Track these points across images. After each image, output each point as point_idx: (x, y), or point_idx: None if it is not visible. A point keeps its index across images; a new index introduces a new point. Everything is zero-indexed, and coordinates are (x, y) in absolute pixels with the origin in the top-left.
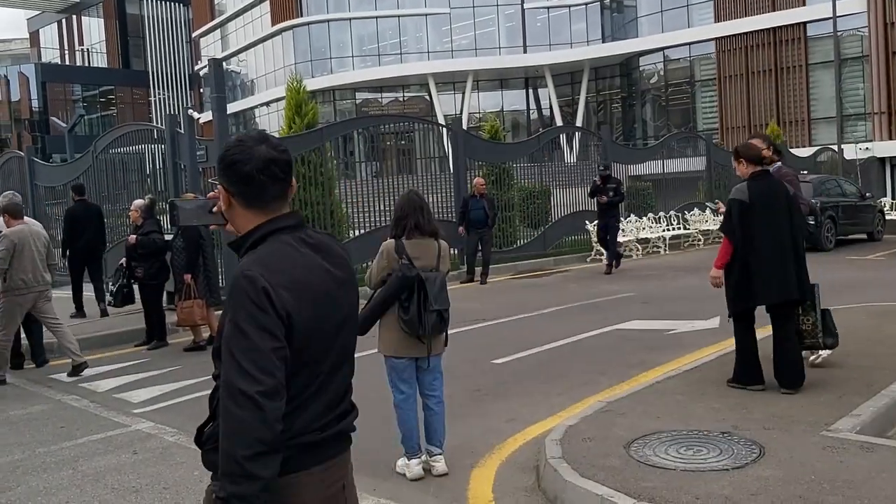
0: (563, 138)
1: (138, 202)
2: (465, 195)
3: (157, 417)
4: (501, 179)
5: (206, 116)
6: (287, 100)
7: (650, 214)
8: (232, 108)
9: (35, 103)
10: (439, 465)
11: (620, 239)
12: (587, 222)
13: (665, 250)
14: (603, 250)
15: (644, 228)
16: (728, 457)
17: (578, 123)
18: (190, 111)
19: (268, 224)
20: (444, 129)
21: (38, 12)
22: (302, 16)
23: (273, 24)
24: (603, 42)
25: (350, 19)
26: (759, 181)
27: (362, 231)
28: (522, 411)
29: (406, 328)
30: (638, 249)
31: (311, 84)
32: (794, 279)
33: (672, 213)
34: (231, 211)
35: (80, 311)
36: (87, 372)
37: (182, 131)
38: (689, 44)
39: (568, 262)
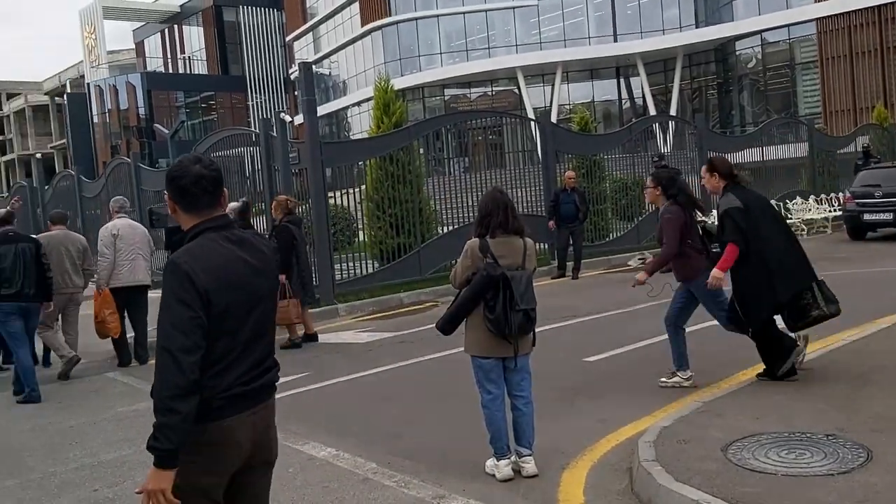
0: (656, 128)
1: (233, 205)
2: (555, 189)
3: None
4: (592, 172)
5: (300, 119)
6: (375, 99)
7: None
8: (324, 109)
9: (141, 111)
10: (529, 466)
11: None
12: None
13: None
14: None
15: None
16: (833, 461)
17: (672, 112)
18: (282, 115)
19: (200, 224)
20: (533, 123)
21: (142, 23)
22: (390, 15)
23: (363, 24)
24: (696, 27)
25: (438, 16)
26: (740, 190)
27: (452, 227)
28: (615, 411)
29: (492, 328)
30: None
31: (400, 82)
32: (807, 263)
33: (773, 202)
34: (176, 215)
35: None
36: None
37: (275, 134)
38: (788, 25)
39: None
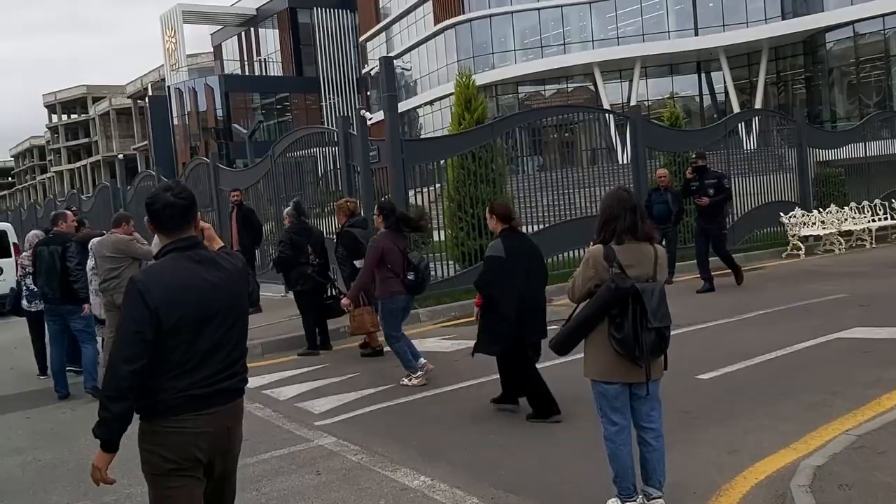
0: (740, 125)
1: (288, 209)
2: (648, 188)
3: (340, 432)
4: (683, 169)
5: (376, 117)
6: (456, 95)
7: (853, 204)
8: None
9: (219, 113)
10: None
11: (817, 232)
12: (781, 214)
13: (871, 243)
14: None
15: (846, 220)
16: None
17: (757, 107)
18: (362, 112)
19: (169, 245)
20: (615, 117)
21: (220, 27)
22: (464, 13)
23: (436, 23)
24: (783, 19)
25: (512, 13)
26: (510, 237)
27: (538, 227)
28: (746, 440)
29: (619, 349)
30: (840, 243)
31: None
32: (540, 321)
33: (877, 201)
34: (155, 235)
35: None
36: (272, 377)
37: (354, 133)
38: (883, 15)
39: (761, 258)
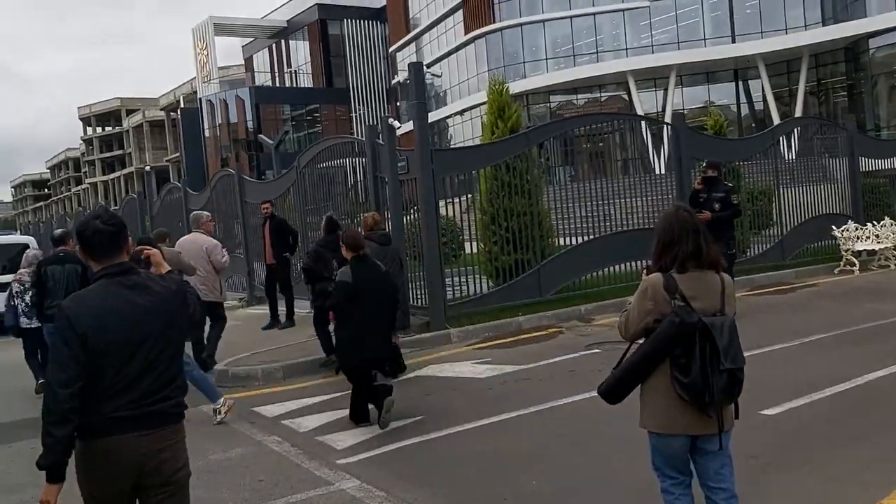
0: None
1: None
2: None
3: (364, 473)
4: (728, 180)
5: (405, 127)
6: (489, 103)
7: None
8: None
9: (250, 124)
10: None
11: (872, 246)
12: (833, 227)
13: None
14: None
15: None
16: None
17: (798, 114)
18: (390, 120)
19: (99, 271)
20: (656, 126)
21: (251, 39)
22: (495, 22)
23: (466, 32)
24: (823, 25)
25: (544, 21)
26: (359, 266)
27: (580, 239)
28: (827, 494)
29: (686, 394)
30: None
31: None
32: (379, 343)
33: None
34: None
35: (275, 319)
36: (292, 405)
37: (382, 142)
38: None
39: (812, 274)
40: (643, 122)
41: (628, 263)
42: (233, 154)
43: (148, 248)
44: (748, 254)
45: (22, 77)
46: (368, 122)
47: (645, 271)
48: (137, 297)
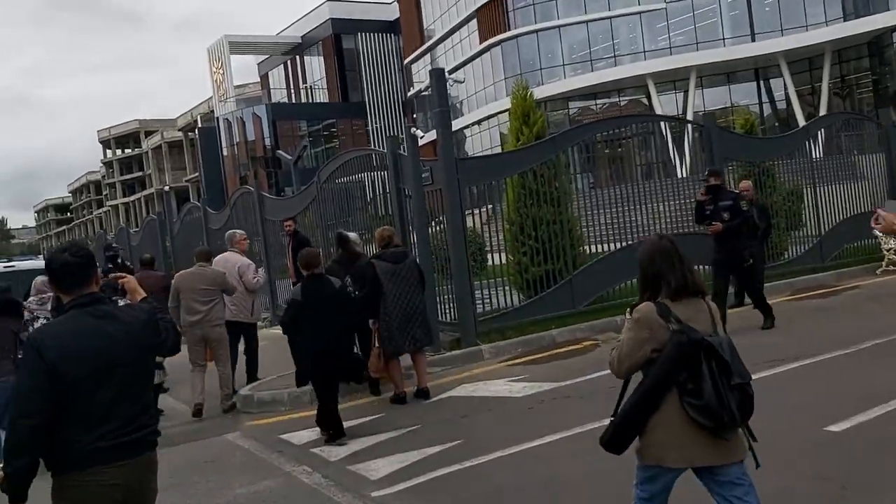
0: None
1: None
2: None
3: None
4: (761, 181)
5: (426, 138)
6: (512, 108)
7: None
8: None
9: (267, 141)
10: None
11: None
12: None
13: None
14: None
15: None
16: None
17: (822, 113)
18: (413, 129)
19: (69, 302)
20: (692, 127)
21: (266, 56)
22: (510, 29)
23: (481, 41)
24: (845, 20)
25: (559, 27)
26: (310, 284)
27: (614, 246)
28: None
29: (702, 418)
30: None
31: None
32: (330, 354)
33: None
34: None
35: None
36: (319, 431)
37: (405, 153)
38: None
39: (854, 276)
40: (663, 124)
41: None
42: (251, 172)
43: (123, 275)
44: (785, 256)
45: (42, 102)
46: (385, 135)
47: (628, 311)
48: (107, 326)
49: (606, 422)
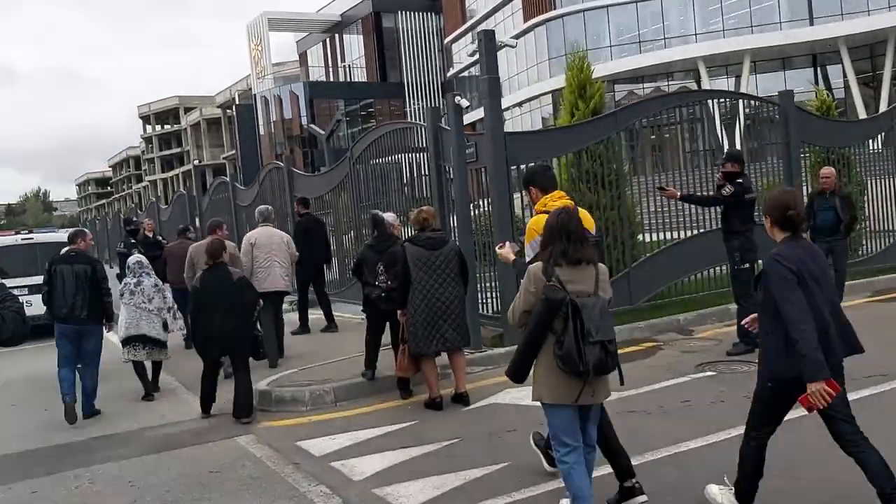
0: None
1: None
2: (811, 192)
3: None
4: (838, 170)
5: (469, 116)
6: (567, 82)
7: None
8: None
9: (304, 120)
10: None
11: None
12: None
13: None
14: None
15: None
16: None
17: (883, 102)
18: (457, 98)
19: None
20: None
21: (305, 34)
22: (555, 8)
23: (525, 20)
24: None
25: (607, 7)
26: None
27: (682, 235)
28: None
29: (562, 365)
30: None
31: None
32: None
33: None
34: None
35: (303, 327)
36: (344, 439)
37: (447, 127)
38: None
39: None
40: (713, 103)
41: (725, 266)
42: (287, 150)
43: None
44: (860, 252)
45: (85, 79)
46: (423, 115)
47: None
48: None
49: (685, 446)
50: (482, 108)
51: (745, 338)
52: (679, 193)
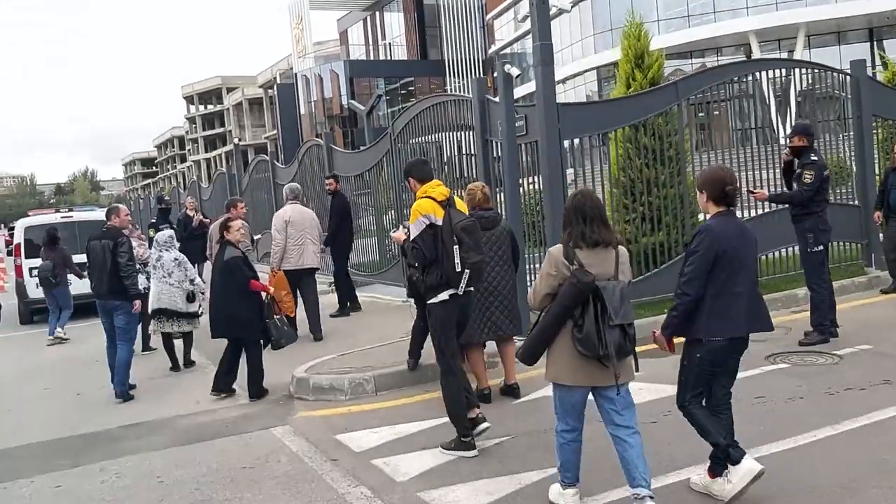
0: None
1: None
2: (886, 167)
3: None
4: None
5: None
6: (623, 51)
7: None
8: (522, 90)
9: (344, 99)
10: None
11: None
12: None
13: None
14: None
15: None
16: None
17: None
18: (507, 66)
19: None
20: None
21: (346, 12)
22: None
23: None
24: None
25: None
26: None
27: (743, 215)
28: None
29: (582, 348)
30: None
31: (611, 55)
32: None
33: None
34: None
35: (343, 309)
36: (386, 433)
37: (495, 99)
38: None
39: None
40: (763, 75)
41: (792, 248)
42: (327, 129)
43: None
44: None
45: (132, 61)
46: (464, 93)
47: None
48: None
49: (766, 450)
50: (527, 84)
51: (819, 327)
52: (767, 194)
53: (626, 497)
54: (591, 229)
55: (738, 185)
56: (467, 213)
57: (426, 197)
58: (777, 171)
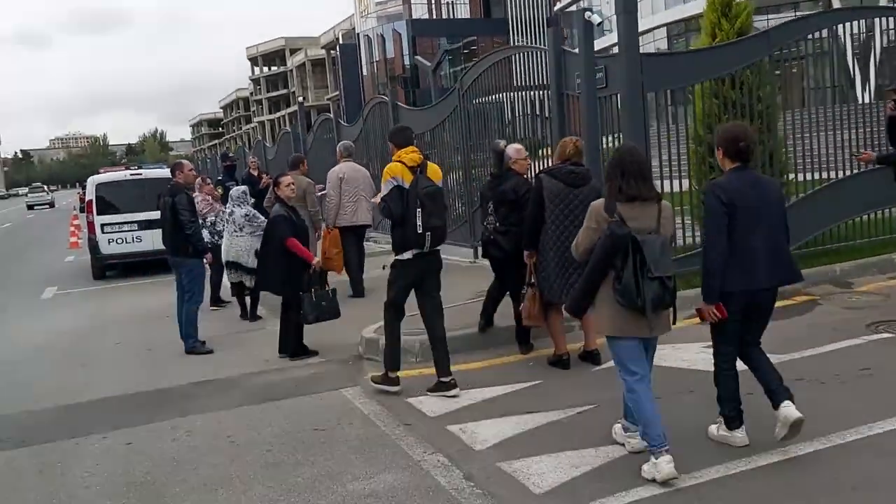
0: None
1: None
2: None
3: None
4: None
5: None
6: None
7: None
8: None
9: (406, 59)
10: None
11: None
12: None
13: None
14: None
15: None
16: None
17: None
18: (587, 14)
19: None
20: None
21: None
22: None
23: None
24: None
25: None
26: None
27: (835, 175)
28: None
29: (620, 299)
30: None
31: (679, 11)
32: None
33: None
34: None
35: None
36: (462, 398)
37: (573, 50)
38: None
39: None
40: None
41: (887, 210)
42: (389, 89)
43: None
44: None
45: (198, 23)
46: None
47: None
48: None
49: (882, 427)
50: (605, 36)
51: None
52: (874, 155)
53: (724, 476)
54: (627, 184)
55: (753, 141)
56: (437, 181)
57: (398, 161)
58: (870, 129)
